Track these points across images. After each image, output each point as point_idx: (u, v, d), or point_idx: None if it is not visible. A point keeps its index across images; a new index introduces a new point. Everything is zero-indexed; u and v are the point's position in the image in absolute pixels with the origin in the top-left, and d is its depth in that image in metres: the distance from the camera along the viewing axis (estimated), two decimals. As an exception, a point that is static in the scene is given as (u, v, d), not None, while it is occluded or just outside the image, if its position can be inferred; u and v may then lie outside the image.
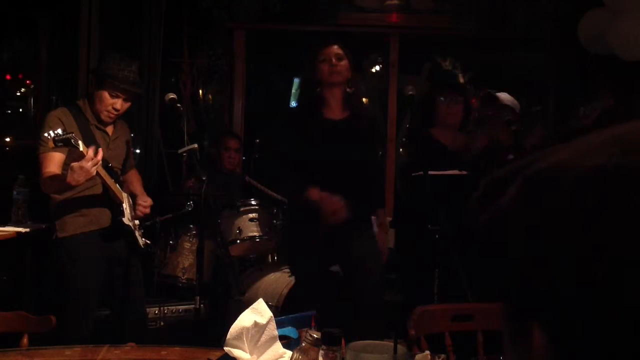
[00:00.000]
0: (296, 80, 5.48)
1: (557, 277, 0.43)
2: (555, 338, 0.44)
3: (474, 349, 2.06)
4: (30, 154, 3.05)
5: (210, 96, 5.24)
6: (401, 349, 1.35)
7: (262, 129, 5.90)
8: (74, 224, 3.10)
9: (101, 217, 3.15)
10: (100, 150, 2.82)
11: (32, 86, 5.20)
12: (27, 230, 3.60)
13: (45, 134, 2.75)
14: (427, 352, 1.57)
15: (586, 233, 0.42)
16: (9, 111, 5.28)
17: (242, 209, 4.10)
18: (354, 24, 5.12)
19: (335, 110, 3.17)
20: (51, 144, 2.73)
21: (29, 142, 4.44)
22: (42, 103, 5.06)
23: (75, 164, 2.76)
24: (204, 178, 3.03)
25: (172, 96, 3.20)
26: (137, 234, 3.25)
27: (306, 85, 3.27)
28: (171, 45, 5.10)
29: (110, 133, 3.22)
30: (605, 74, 4.29)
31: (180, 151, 3.19)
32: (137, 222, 3.30)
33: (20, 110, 5.31)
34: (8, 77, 5.22)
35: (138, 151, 4.83)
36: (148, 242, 3.39)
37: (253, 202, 4.16)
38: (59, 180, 2.92)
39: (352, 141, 3.12)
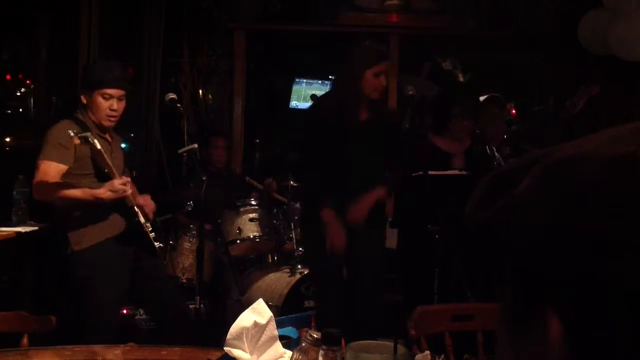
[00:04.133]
0: (298, 81, 5.48)
1: (576, 262, 0.43)
2: (572, 327, 0.44)
3: (474, 349, 2.06)
4: (30, 154, 3.03)
5: (210, 96, 5.24)
6: (401, 349, 1.35)
7: (263, 129, 5.91)
8: (90, 235, 3.01)
9: (115, 222, 3.07)
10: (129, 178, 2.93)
11: (32, 86, 5.19)
12: (27, 230, 3.60)
13: (69, 131, 2.78)
14: (427, 352, 1.57)
15: (606, 219, 0.42)
16: (9, 111, 5.27)
17: (242, 209, 4.10)
18: (354, 24, 5.12)
19: (360, 115, 3.17)
20: (76, 140, 2.75)
21: (29, 142, 4.44)
22: (42, 103, 5.05)
23: (112, 183, 2.86)
24: (204, 178, 3.03)
25: (172, 96, 3.19)
26: (150, 235, 3.22)
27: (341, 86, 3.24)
28: (171, 45, 5.10)
29: (110, 140, 3.22)
30: (604, 73, 4.28)
31: (180, 151, 3.18)
32: (148, 224, 3.28)
33: (20, 110, 5.30)
34: (8, 77, 5.21)
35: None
36: (161, 245, 3.36)
37: (253, 202, 4.16)
38: (53, 188, 2.88)
39: (370, 144, 3.12)
